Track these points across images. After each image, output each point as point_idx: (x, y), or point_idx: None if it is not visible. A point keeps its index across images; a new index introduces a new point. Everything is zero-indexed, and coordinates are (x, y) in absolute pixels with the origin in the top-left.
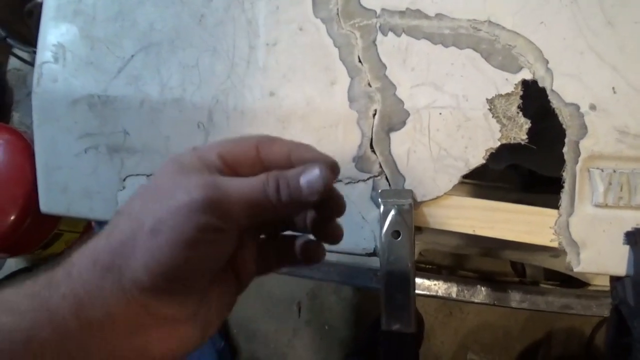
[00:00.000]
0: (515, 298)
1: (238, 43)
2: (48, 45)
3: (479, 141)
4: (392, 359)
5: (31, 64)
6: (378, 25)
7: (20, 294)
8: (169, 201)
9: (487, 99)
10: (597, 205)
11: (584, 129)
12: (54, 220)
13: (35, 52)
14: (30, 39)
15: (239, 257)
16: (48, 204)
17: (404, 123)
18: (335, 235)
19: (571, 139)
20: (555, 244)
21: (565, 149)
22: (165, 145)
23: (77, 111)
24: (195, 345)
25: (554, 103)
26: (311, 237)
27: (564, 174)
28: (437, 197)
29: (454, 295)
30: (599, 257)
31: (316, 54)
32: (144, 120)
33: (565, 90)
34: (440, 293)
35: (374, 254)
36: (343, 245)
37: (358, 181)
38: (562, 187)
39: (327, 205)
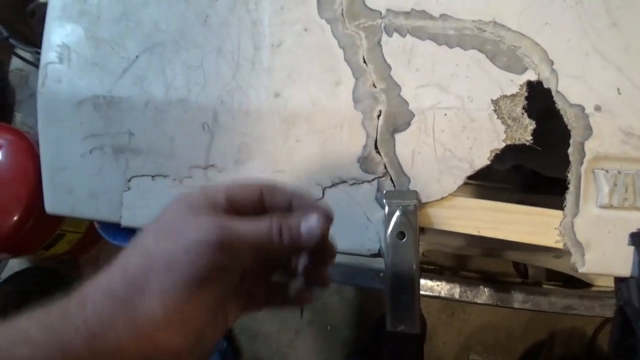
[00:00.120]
0: (517, 299)
1: (243, 44)
2: (53, 45)
3: (483, 142)
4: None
5: (33, 64)
6: (383, 25)
7: (35, 324)
8: (183, 240)
9: (492, 100)
10: (602, 206)
11: (589, 130)
12: (57, 220)
13: (37, 52)
14: (32, 39)
15: (233, 296)
16: (53, 204)
17: (408, 124)
18: (325, 281)
19: (576, 140)
20: (560, 245)
21: (570, 150)
22: (170, 145)
23: (82, 112)
24: None
25: (559, 104)
26: (301, 281)
27: (569, 175)
28: (442, 198)
29: (456, 296)
30: (604, 258)
31: (321, 54)
32: (148, 121)
33: (570, 91)
34: (443, 294)
35: (378, 254)
36: (348, 245)
37: (363, 182)
38: (567, 188)
39: (320, 252)
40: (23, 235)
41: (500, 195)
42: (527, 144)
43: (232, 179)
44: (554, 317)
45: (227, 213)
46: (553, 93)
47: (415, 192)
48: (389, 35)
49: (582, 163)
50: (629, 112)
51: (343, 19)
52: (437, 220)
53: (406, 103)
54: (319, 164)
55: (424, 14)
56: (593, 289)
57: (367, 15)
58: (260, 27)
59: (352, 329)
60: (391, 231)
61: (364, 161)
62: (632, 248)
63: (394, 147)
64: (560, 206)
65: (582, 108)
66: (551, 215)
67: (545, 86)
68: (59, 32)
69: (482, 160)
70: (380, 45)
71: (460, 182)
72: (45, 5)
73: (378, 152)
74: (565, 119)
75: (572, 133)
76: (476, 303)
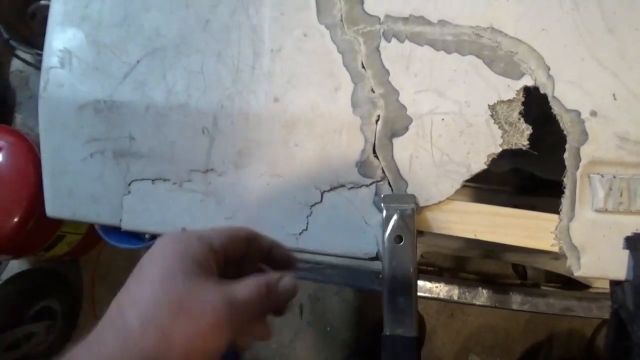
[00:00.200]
0: (516, 300)
1: (243, 49)
2: (55, 50)
3: (480, 147)
4: None
5: (34, 65)
6: (381, 31)
7: None
8: (198, 321)
9: (489, 105)
10: (598, 211)
11: (584, 135)
12: (57, 222)
13: (38, 54)
14: (33, 41)
15: None
16: (54, 208)
17: (406, 129)
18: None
19: (572, 145)
20: (555, 249)
21: (566, 155)
22: (171, 150)
23: (84, 116)
24: None
25: (555, 109)
26: None
27: (564, 179)
28: (439, 202)
29: (455, 297)
30: (599, 262)
31: (320, 60)
32: (149, 126)
33: (567, 96)
34: (441, 295)
35: (376, 258)
36: (346, 249)
37: (361, 186)
38: (563, 192)
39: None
40: (23, 237)
41: (498, 197)
42: (524, 148)
43: (216, 229)
44: (552, 318)
45: (220, 265)
46: (549, 98)
47: (413, 196)
48: (388, 40)
49: (577, 168)
50: (625, 117)
51: (342, 25)
52: (434, 223)
53: (404, 108)
54: (317, 168)
55: (422, 20)
56: (591, 290)
57: (366, 21)
58: (260, 33)
59: (351, 330)
60: (389, 235)
61: (362, 165)
62: (627, 252)
63: (392, 152)
64: (558, 209)
65: (578, 113)
66: (547, 219)
67: (542, 92)
68: (60, 37)
69: (479, 164)
70: (379, 51)
71: (458, 186)
72: (46, 7)
73: (376, 157)
74: (561, 124)
75: (568, 138)
76: (475, 304)
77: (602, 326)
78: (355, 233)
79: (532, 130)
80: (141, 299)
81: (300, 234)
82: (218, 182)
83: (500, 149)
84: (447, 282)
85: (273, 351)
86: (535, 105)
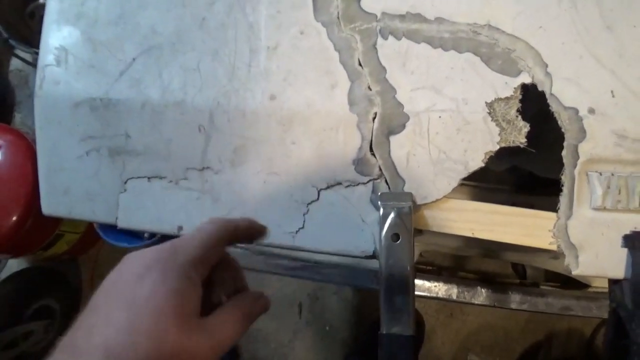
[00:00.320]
0: (515, 299)
1: (239, 46)
2: (50, 48)
3: (478, 144)
4: None
5: (33, 65)
6: (378, 28)
7: None
8: None
9: (486, 103)
10: (596, 209)
11: (582, 133)
12: (56, 221)
13: (37, 53)
14: (32, 40)
15: None
16: (50, 206)
17: (403, 126)
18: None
19: (570, 143)
20: (553, 247)
21: (564, 153)
22: (167, 147)
23: (79, 114)
24: None
25: (553, 107)
26: None
27: (562, 177)
28: (437, 200)
29: (454, 296)
30: (597, 260)
31: (317, 57)
32: (145, 123)
33: (564, 94)
34: (440, 295)
35: (373, 256)
36: (342, 247)
37: (358, 184)
38: (561, 190)
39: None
40: (22, 236)
41: (496, 196)
42: (521, 146)
43: (195, 237)
44: (551, 318)
45: (204, 275)
46: (547, 96)
47: (410, 194)
48: (385, 38)
49: (575, 165)
50: (623, 114)
51: (339, 22)
52: (432, 222)
53: (401, 105)
54: (314, 166)
55: (419, 17)
56: (590, 289)
57: (362, 18)
58: (256, 30)
59: (350, 329)
60: (386, 233)
61: (359, 163)
62: (625, 250)
63: (389, 149)
64: (556, 207)
65: (576, 111)
66: (545, 218)
67: (540, 89)
68: (56, 35)
69: (476, 162)
70: (376, 48)
71: (455, 184)
72: (44, 6)
73: (373, 154)
74: (559, 122)
75: (566, 135)
76: (474, 304)
77: (601, 326)
78: (352, 231)
79: (530, 128)
80: (126, 350)
81: (297, 232)
82: (214, 180)
83: (497, 147)
84: (446, 281)
85: (272, 351)
86: (533, 103)
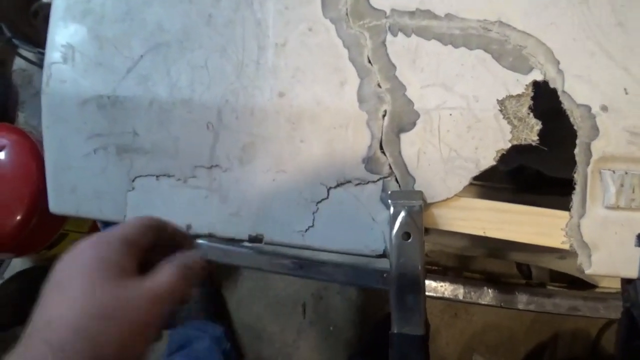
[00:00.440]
0: (522, 300)
1: (247, 43)
2: (57, 45)
3: (489, 142)
4: None
5: (36, 64)
6: (388, 25)
7: None
8: (127, 324)
9: (497, 100)
10: (609, 207)
11: (595, 130)
12: (60, 220)
13: (40, 53)
14: (35, 40)
15: None
16: (57, 204)
17: (414, 124)
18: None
19: (582, 140)
20: (566, 246)
21: (576, 150)
22: (175, 145)
23: (86, 112)
24: None
25: (565, 104)
26: None
27: (575, 175)
28: (447, 199)
29: (460, 296)
30: (611, 260)
31: (325, 54)
32: (153, 121)
33: (577, 91)
34: (447, 295)
35: (383, 255)
36: (352, 246)
37: (368, 182)
38: (574, 188)
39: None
40: (26, 235)
41: (503, 196)
42: (533, 144)
43: (127, 223)
44: (557, 318)
45: (139, 257)
46: (559, 93)
47: (421, 193)
48: (394, 35)
49: (588, 163)
50: (636, 112)
51: (348, 19)
52: (442, 220)
53: (411, 103)
54: (323, 164)
55: (429, 14)
56: (597, 290)
57: (371, 15)
58: (264, 27)
59: (354, 329)
60: (396, 232)
61: (369, 161)
62: (639, 249)
63: (399, 147)
64: (563, 207)
65: (589, 108)
66: (557, 216)
67: (552, 86)
68: (63, 32)
69: (488, 160)
70: (385, 45)
71: (466, 182)
72: (48, 5)
73: (383, 152)
74: (571, 119)
75: (579, 133)
76: (480, 304)
77: (607, 327)
78: (362, 230)
79: (541, 126)
80: (68, 313)
81: (306, 230)
82: (223, 178)
83: (509, 145)
84: (452, 281)
85: (276, 350)
86: (543, 100)
